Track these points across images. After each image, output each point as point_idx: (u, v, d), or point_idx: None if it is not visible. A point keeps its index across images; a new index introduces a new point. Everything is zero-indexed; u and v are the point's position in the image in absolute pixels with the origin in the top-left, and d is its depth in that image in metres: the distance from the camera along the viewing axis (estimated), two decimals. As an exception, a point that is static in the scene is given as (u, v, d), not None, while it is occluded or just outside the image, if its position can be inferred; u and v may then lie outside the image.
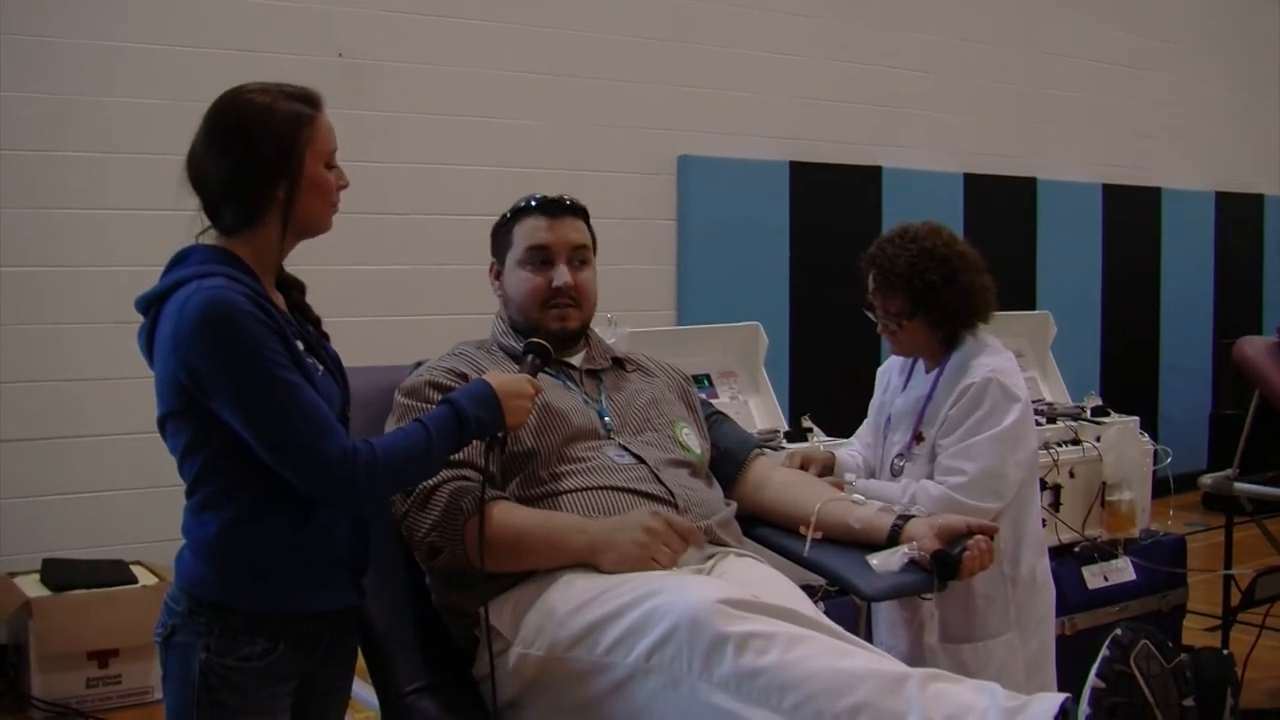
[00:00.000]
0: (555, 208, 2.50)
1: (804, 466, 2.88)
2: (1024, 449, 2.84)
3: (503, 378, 2.14)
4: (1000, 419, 2.76)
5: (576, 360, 2.53)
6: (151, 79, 4.65)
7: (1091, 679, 1.75)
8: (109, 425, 4.56)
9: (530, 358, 2.30)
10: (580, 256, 2.50)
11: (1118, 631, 1.79)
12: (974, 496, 2.72)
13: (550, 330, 2.44)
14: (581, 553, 2.15)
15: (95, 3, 4.59)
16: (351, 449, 1.88)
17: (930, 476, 2.83)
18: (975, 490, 2.73)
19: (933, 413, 2.88)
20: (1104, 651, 1.77)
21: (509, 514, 2.22)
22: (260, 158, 1.92)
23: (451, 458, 2.18)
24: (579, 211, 2.54)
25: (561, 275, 2.46)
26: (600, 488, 2.29)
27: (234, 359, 1.84)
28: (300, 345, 1.96)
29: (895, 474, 2.94)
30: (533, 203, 2.52)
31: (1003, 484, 2.77)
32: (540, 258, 2.48)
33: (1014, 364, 2.89)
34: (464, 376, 2.34)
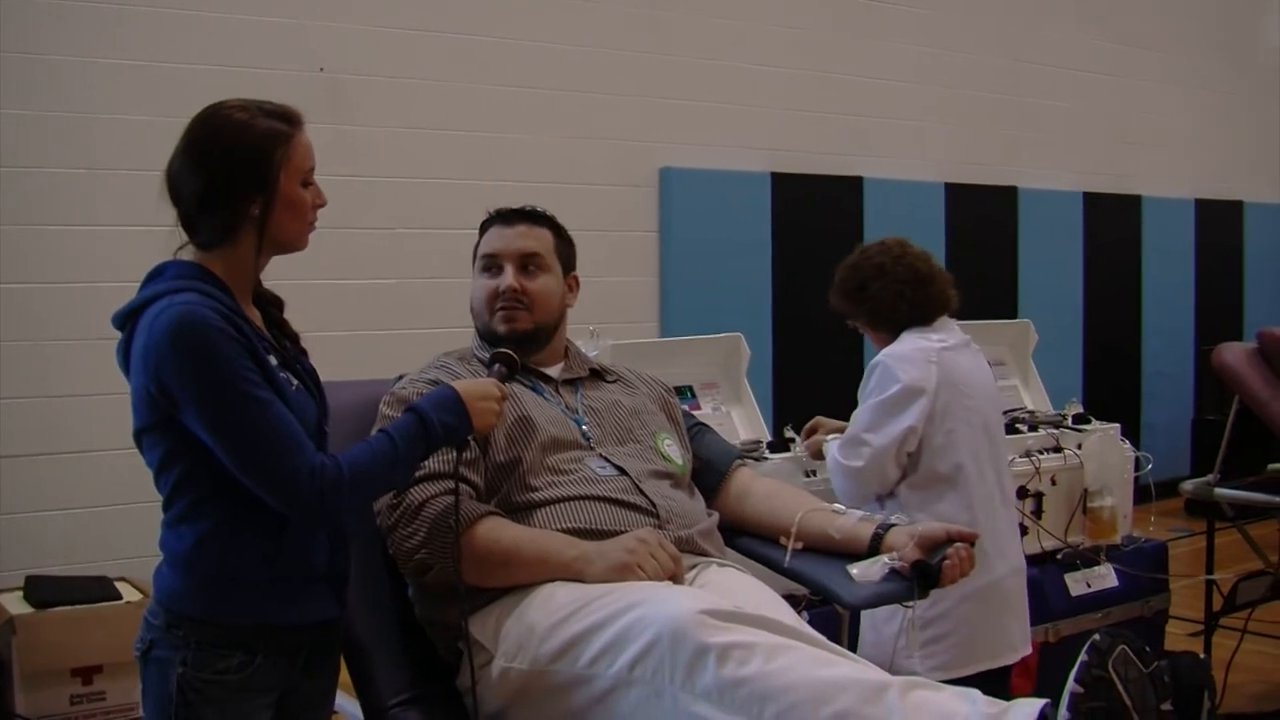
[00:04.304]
0: (510, 217, 2.56)
1: (815, 428, 3.37)
2: (895, 422, 3.03)
3: (467, 382, 2.15)
4: (879, 393, 3.07)
5: (554, 371, 2.54)
6: (139, 95, 4.65)
7: (1070, 684, 1.76)
8: (94, 441, 4.54)
9: (496, 366, 2.28)
10: (531, 262, 2.52)
11: (1096, 637, 1.80)
12: (842, 454, 3.10)
13: (499, 333, 2.47)
14: (570, 565, 2.16)
15: (84, 20, 4.59)
16: (319, 466, 1.88)
17: None
18: (844, 449, 3.11)
19: None
20: (1082, 657, 1.78)
21: (499, 530, 2.22)
22: (233, 173, 1.92)
23: (438, 471, 2.19)
24: (539, 219, 2.57)
25: (505, 279, 2.49)
26: (582, 498, 2.30)
27: (203, 375, 1.84)
28: (274, 361, 1.95)
29: None
30: (491, 214, 2.58)
31: (864, 447, 3.06)
32: (491, 264, 2.53)
33: (918, 353, 3.08)
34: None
